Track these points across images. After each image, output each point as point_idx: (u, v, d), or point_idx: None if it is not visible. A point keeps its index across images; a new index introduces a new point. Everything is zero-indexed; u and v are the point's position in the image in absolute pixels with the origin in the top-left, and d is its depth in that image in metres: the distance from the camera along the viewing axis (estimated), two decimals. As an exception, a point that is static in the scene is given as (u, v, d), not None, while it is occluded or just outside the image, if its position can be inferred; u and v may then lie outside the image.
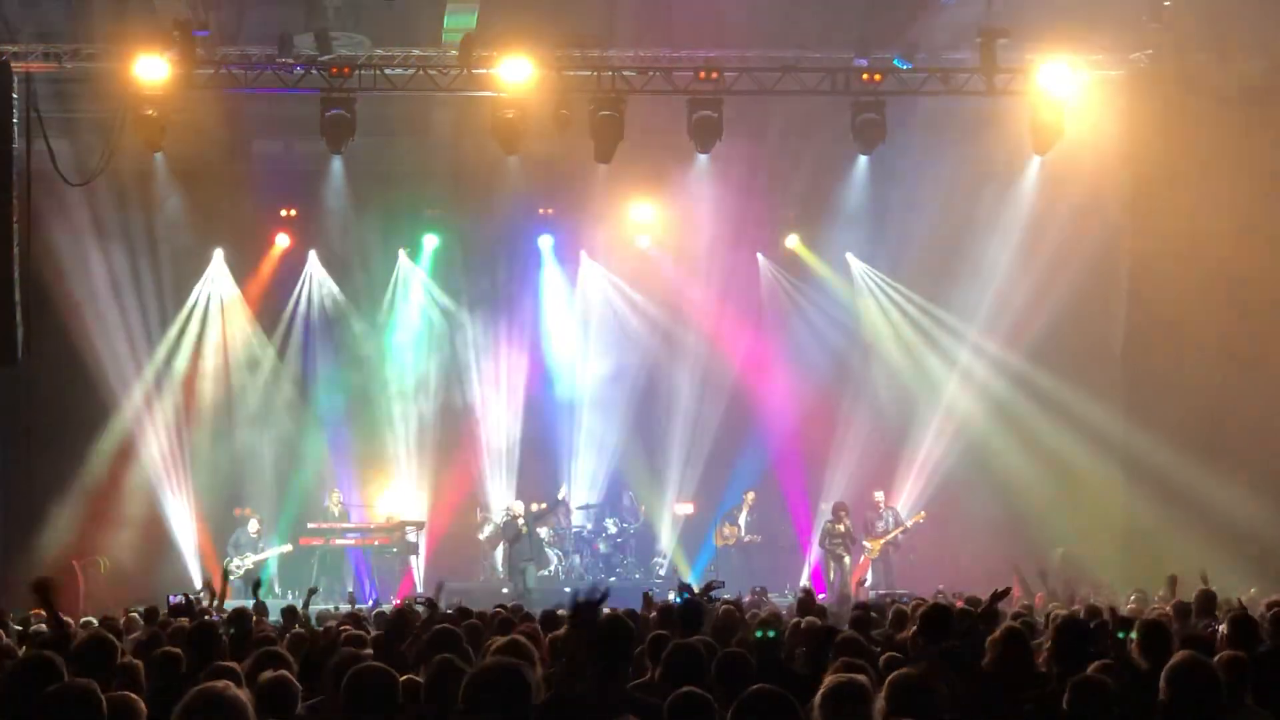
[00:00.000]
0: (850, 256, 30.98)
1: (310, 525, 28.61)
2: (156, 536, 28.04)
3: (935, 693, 7.08)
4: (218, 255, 29.81)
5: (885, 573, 27.82)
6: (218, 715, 6.22)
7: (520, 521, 28.36)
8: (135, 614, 17.30)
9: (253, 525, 28.08)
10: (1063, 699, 7.85)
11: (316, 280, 30.68)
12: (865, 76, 26.00)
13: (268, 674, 8.09)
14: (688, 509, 30.54)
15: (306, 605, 16.84)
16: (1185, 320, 25.76)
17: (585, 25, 26.12)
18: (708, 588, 14.04)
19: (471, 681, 6.49)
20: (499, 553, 29.65)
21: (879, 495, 28.81)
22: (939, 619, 10.58)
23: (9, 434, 26.77)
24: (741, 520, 29.60)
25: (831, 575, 27.96)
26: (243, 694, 6.40)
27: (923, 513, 28.52)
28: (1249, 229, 25.43)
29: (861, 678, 7.06)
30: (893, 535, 28.31)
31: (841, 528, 28.12)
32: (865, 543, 28.35)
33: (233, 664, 8.76)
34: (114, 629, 13.06)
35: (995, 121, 26.53)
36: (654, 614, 13.01)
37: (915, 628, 10.82)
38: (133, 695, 7.47)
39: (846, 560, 28.03)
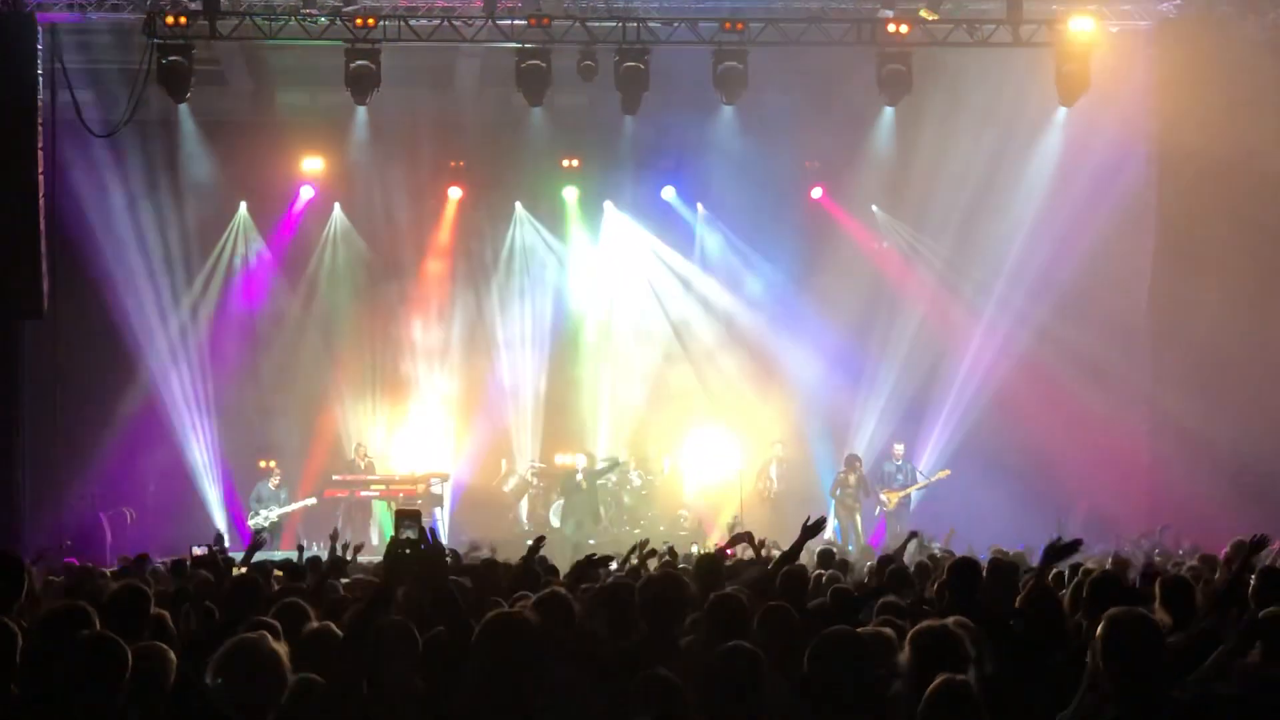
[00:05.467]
0: (875, 208, 30.92)
1: (335, 478, 28.67)
2: (182, 488, 28.15)
3: (962, 645, 7.06)
4: (242, 207, 29.82)
5: (897, 527, 27.73)
6: (255, 667, 6.23)
7: (579, 477, 28.52)
8: (161, 565, 17.33)
9: (273, 478, 28.16)
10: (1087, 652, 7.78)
11: (341, 231, 30.68)
12: (891, 28, 25.87)
13: (311, 626, 8.12)
14: (714, 461, 30.55)
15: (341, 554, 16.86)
16: (1213, 272, 25.65)
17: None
18: (734, 540, 14.06)
19: (481, 633, 6.49)
20: (524, 505, 29.79)
21: (899, 447, 28.85)
22: (968, 573, 10.53)
23: (35, 386, 26.82)
24: (773, 472, 29.60)
25: (844, 526, 27.95)
26: (280, 647, 6.40)
27: (946, 470, 28.49)
28: (1278, 179, 25.32)
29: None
30: (908, 491, 28.36)
31: (853, 478, 28.14)
32: (882, 495, 28.38)
33: (269, 619, 8.77)
34: (145, 580, 13.08)
35: (1021, 72, 26.40)
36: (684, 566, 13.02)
37: (943, 580, 10.77)
38: (164, 645, 7.49)
39: (858, 512, 28.04)
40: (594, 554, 12.62)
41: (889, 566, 13.06)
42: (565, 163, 30.49)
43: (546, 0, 25.47)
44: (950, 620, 7.60)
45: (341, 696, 6.83)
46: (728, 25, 25.62)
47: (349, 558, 16.61)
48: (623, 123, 27.57)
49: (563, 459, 29.83)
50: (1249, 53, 25.59)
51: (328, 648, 7.86)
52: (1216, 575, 12.87)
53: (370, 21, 25.08)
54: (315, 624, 8.42)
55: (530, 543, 12.61)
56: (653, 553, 14.75)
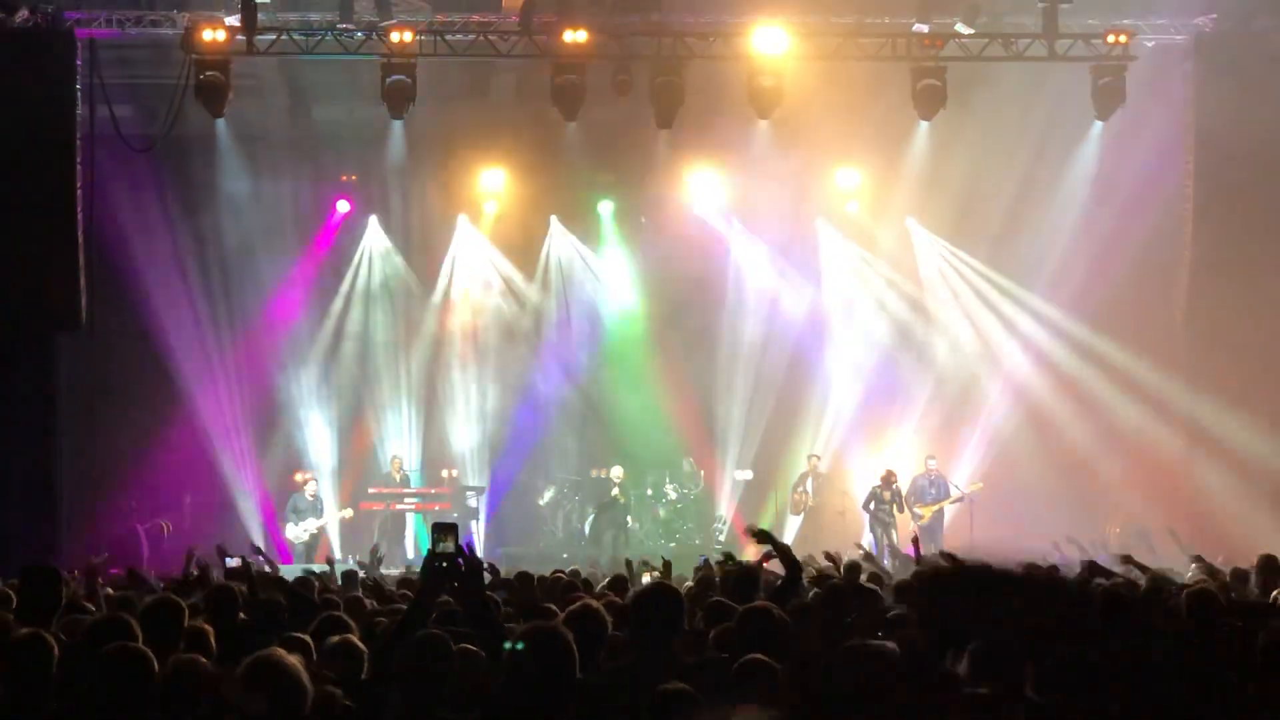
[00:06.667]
0: (911, 222, 30.88)
1: (371, 490, 28.75)
2: (219, 500, 28.22)
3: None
4: (279, 221, 29.90)
5: (932, 540, 27.67)
6: (274, 682, 6.24)
7: (615, 490, 28.59)
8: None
9: (310, 489, 28.20)
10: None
11: (376, 245, 30.78)
12: (926, 42, 25.88)
13: (334, 639, 8.16)
14: (747, 475, 30.55)
15: (376, 567, 16.92)
16: (1251, 285, 25.61)
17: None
18: (766, 556, 14.05)
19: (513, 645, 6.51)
20: (559, 518, 29.83)
21: (932, 462, 28.76)
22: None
23: (73, 398, 26.95)
24: (809, 485, 29.58)
25: (880, 541, 27.87)
26: (297, 660, 6.42)
27: (980, 482, 28.41)
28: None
29: None
30: (943, 504, 28.28)
31: (888, 494, 28.07)
32: (916, 509, 28.31)
33: (300, 634, 8.80)
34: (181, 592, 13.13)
35: (1058, 87, 26.37)
36: (719, 579, 13.02)
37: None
38: (200, 658, 7.54)
39: (893, 527, 27.97)
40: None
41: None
42: (600, 176, 30.50)
43: (582, 15, 25.53)
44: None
45: (374, 710, 6.87)
46: (763, 39, 25.64)
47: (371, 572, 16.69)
48: (658, 137, 27.57)
49: (597, 472, 29.90)
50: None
51: (359, 660, 7.91)
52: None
53: (406, 37, 25.17)
54: (349, 636, 8.45)
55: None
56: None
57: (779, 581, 11.35)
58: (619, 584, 13.75)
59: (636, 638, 8.12)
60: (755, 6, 25.71)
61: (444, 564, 7.11)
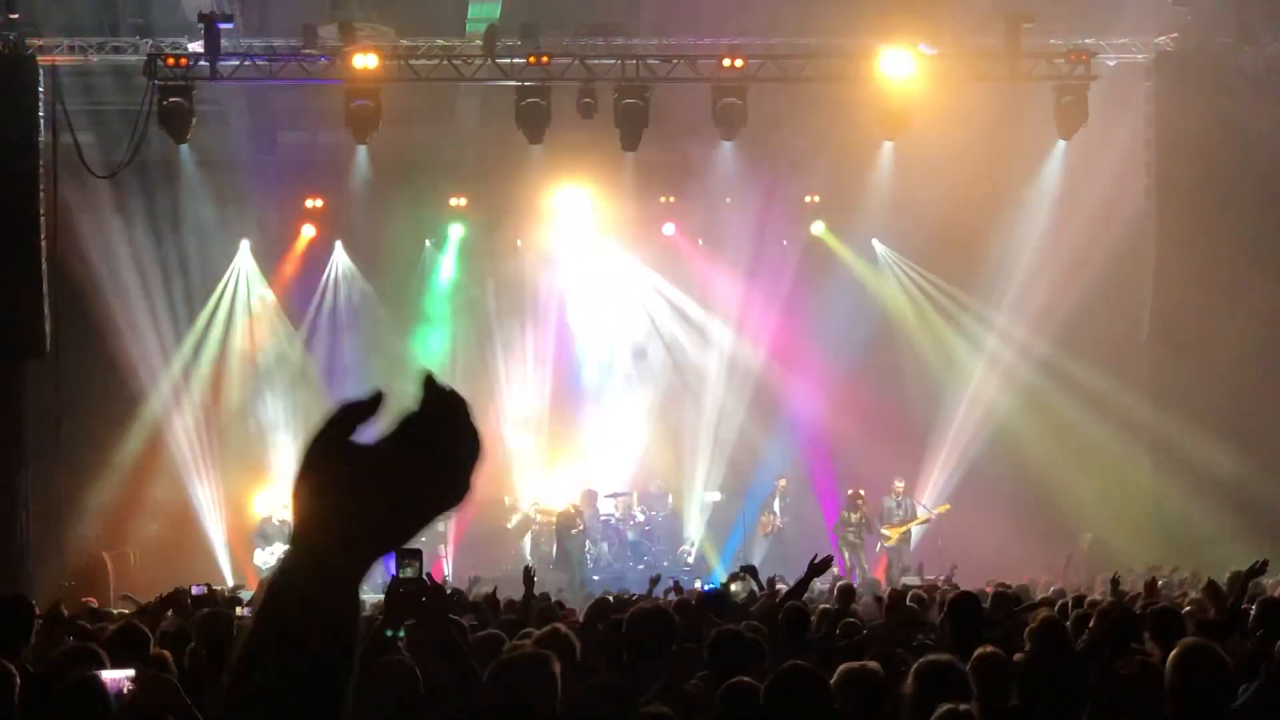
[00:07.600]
0: (876, 242, 30.96)
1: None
2: (185, 527, 28.08)
3: (966, 677, 7.05)
4: (244, 246, 29.82)
5: (899, 561, 27.68)
6: None
7: (575, 530, 28.46)
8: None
9: (277, 516, 28.08)
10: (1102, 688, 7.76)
11: (343, 270, 30.73)
12: (890, 63, 25.90)
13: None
14: (715, 496, 30.54)
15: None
16: (1212, 304, 25.70)
17: (609, 13, 26.16)
18: (733, 577, 14.11)
19: (496, 671, 6.48)
20: (527, 542, 29.75)
21: (899, 484, 28.81)
22: (968, 607, 10.53)
23: (38, 425, 26.81)
24: (776, 507, 29.60)
25: (848, 563, 27.84)
26: None
27: (947, 504, 28.45)
28: (1276, 210, 25.42)
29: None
30: (908, 526, 28.32)
31: (855, 516, 28.08)
32: (884, 530, 28.35)
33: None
34: (146, 620, 13.07)
35: (1020, 105, 26.48)
36: (694, 601, 13.03)
37: (943, 615, 10.76)
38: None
39: (861, 549, 28.00)
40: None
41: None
42: (566, 198, 30.48)
43: (546, 38, 25.59)
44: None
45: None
46: (727, 62, 25.72)
47: None
48: (623, 159, 27.59)
49: (565, 496, 29.82)
50: (1246, 84, 25.69)
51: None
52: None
53: (370, 61, 25.14)
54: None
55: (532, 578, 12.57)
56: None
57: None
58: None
59: (626, 659, 8.13)
60: (718, 28, 25.81)
61: (405, 589, 7.10)
